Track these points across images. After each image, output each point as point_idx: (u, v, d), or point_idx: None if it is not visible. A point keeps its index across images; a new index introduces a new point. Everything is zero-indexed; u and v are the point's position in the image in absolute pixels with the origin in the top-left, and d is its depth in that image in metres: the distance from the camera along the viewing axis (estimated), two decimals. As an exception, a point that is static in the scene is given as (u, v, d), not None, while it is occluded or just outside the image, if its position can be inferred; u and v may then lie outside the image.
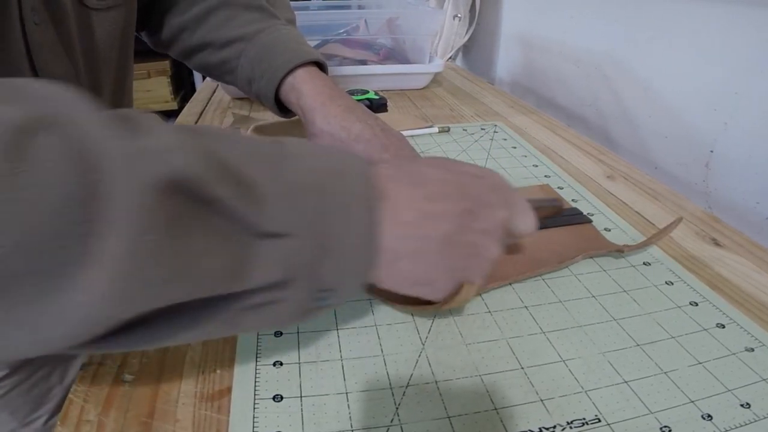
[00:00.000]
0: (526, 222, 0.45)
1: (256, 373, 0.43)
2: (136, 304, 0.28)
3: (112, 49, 0.65)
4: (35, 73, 0.52)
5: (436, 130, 0.95)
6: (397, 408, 0.40)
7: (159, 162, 0.27)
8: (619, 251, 0.58)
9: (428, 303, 0.48)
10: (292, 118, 0.74)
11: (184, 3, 0.75)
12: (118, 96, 0.70)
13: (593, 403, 0.41)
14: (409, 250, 0.39)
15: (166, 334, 0.31)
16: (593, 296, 0.52)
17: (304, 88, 0.67)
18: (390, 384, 0.42)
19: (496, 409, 0.40)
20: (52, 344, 0.27)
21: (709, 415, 0.39)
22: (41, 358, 0.71)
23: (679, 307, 0.51)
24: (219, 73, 0.77)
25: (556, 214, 0.62)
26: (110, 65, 0.66)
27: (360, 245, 0.36)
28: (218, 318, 0.32)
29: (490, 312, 0.50)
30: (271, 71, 0.69)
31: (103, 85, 0.65)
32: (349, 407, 0.40)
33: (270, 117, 1.00)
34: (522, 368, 0.44)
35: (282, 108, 0.73)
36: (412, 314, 0.49)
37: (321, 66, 0.72)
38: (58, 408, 0.52)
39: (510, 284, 0.53)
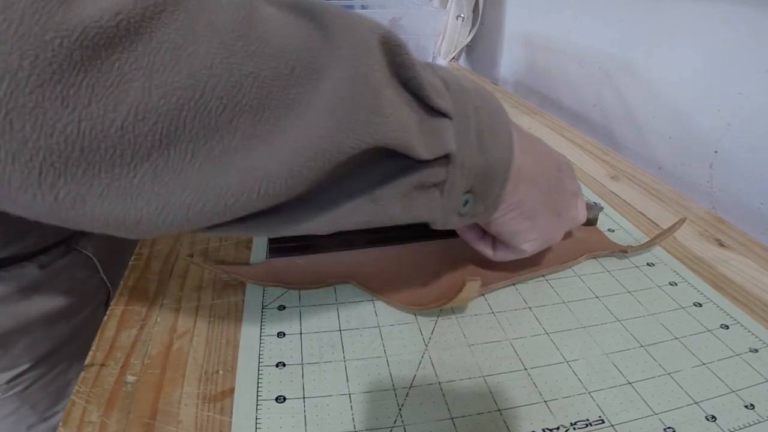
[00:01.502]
0: (581, 209, 0.53)
1: (258, 374, 0.42)
2: (370, 128, 0.29)
3: None
4: None
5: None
6: (400, 409, 0.40)
7: (374, 27, 0.31)
8: (623, 252, 0.58)
9: (430, 302, 0.48)
10: None
11: None
12: None
13: (597, 404, 0.40)
14: (528, 176, 0.44)
15: (355, 204, 0.34)
16: (597, 297, 0.52)
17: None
18: (393, 385, 0.42)
19: (499, 410, 0.40)
20: (263, 187, 0.27)
21: (713, 416, 0.39)
22: (64, 351, 0.72)
23: (683, 308, 0.51)
24: None
25: (591, 222, 0.63)
26: None
27: (503, 147, 0.40)
28: (396, 189, 0.35)
29: (493, 313, 0.50)
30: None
31: None
32: (352, 408, 0.40)
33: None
34: (525, 369, 0.44)
35: None
36: (415, 314, 0.49)
37: None
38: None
39: (513, 285, 0.53)
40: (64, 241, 0.71)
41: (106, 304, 0.73)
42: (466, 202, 0.40)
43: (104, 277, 0.76)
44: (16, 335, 0.66)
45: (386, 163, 0.34)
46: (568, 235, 0.59)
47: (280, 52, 0.26)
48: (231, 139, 0.26)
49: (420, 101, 0.34)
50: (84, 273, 0.74)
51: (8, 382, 0.68)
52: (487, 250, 0.50)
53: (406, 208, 0.36)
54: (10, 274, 0.65)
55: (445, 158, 0.36)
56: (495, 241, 0.50)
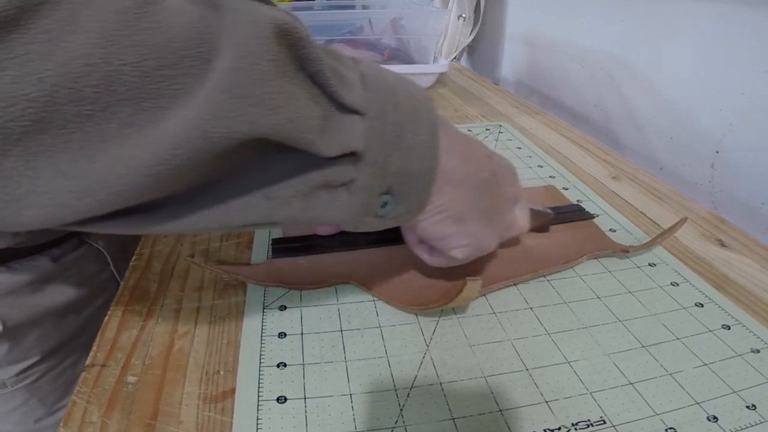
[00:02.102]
0: (523, 216, 0.51)
1: (260, 375, 0.42)
2: (246, 119, 0.28)
3: None
4: None
5: (440, 130, 0.95)
6: (401, 409, 0.40)
7: (273, 18, 0.30)
8: (624, 252, 0.58)
9: (431, 302, 0.48)
10: None
11: None
12: None
13: (598, 404, 0.40)
14: (455, 177, 0.42)
15: (246, 202, 0.33)
16: (598, 297, 0.52)
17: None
18: (394, 385, 0.42)
19: (500, 410, 0.40)
20: (140, 171, 0.27)
21: (714, 417, 0.39)
22: (73, 344, 0.73)
23: (685, 308, 0.51)
24: None
25: (542, 229, 0.61)
26: None
27: (426, 146, 0.39)
28: (294, 187, 0.34)
29: (494, 313, 0.50)
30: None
31: None
32: (353, 409, 0.40)
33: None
34: (527, 369, 0.44)
35: None
36: (416, 314, 0.49)
37: None
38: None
39: (514, 285, 0.53)
40: (77, 234, 0.71)
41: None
42: (385, 203, 0.38)
43: (114, 271, 0.77)
44: (27, 328, 0.67)
45: (282, 159, 0.33)
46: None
47: (170, 41, 0.26)
48: (107, 128, 0.25)
49: (329, 96, 0.33)
50: (95, 267, 0.75)
51: (18, 374, 0.68)
52: (424, 255, 0.49)
53: (307, 207, 0.35)
54: (22, 266, 0.65)
55: (353, 156, 0.35)
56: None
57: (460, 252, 0.46)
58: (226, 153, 0.29)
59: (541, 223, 0.60)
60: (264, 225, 0.35)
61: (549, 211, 0.61)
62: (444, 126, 0.42)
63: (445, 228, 0.44)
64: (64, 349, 0.72)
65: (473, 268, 0.54)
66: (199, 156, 0.28)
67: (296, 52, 0.31)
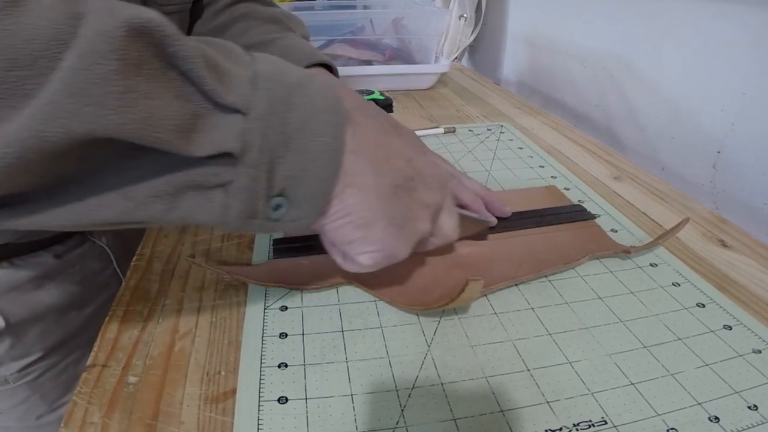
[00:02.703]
0: (449, 225, 0.49)
1: (261, 375, 0.42)
2: (81, 119, 0.28)
3: None
4: None
5: (441, 130, 0.95)
6: (402, 410, 0.40)
7: (133, 16, 0.29)
8: (626, 252, 0.58)
9: (432, 302, 0.48)
10: None
11: (208, 13, 0.78)
12: None
13: (600, 405, 0.40)
14: (361, 181, 0.40)
15: (102, 200, 0.32)
16: (599, 297, 0.52)
17: None
18: (395, 386, 0.42)
19: (502, 411, 0.40)
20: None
21: (716, 417, 0.39)
22: (75, 341, 0.74)
23: (686, 308, 0.50)
24: None
25: (479, 237, 0.60)
26: None
27: (325, 148, 0.37)
28: (155, 187, 0.33)
29: (496, 313, 0.50)
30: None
31: None
32: (354, 409, 0.40)
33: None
34: (528, 370, 0.43)
35: None
36: (417, 314, 0.49)
37: (331, 70, 0.72)
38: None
39: (516, 285, 0.53)
40: (80, 231, 0.71)
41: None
42: (279, 206, 0.37)
43: (117, 269, 0.77)
44: (29, 324, 0.67)
45: (142, 159, 0.32)
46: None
47: (28, 43, 0.26)
48: None
49: (204, 94, 0.32)
50: (98, 264, 0.75)
51: (20, 371, 0.69)
52: (338, 258, 0.46)
53: (173, 207, 0.34)
54: (25, 262, 0.66)
55: (229, 157, 0.34)
56: None
57: (367, 258, 0.43)
58: (68, 152, 0.29)
59: (479, 230, 0.59)
60: (128, 223, 0.35)
61: (487, 218, 0.59)
62: (358, 127, 0.41)
63: (350, 233, 0.42)
64: (67, 345, 0.73)
65: (475, 268, 0.54)
66: (33, 155, 0.27)
67: (162, 50, 0.30)
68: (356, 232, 0.42)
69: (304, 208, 0.38)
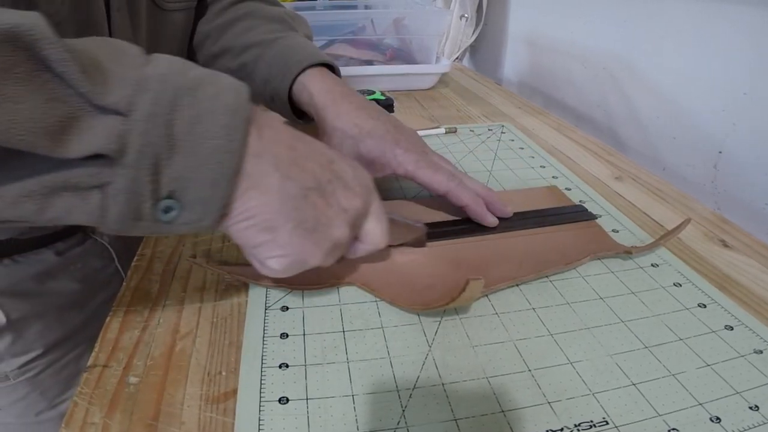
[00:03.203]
0: (376, 231, 0.48)
1: (261, 375, 0.42)
2: None
3: (173, 52, 0.67)
4: None
5: (442, 130, 0.95)
6: (403, 410, 0.40)
7: (4, 15, 0.29)
8: (627, 253, 0.58)
9: (433, 302, 0.48)
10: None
11: (211, 12, 0.79)
12: None
13: (601, 405, 0.40)
14: (265, 183, 0.40)
15: None
16: (601, 298, 0.52)
17: (315, 86, 0.67)
18: (396, 386, 0.42)
19: (503, 411, 0.40)
20: None
21: (717, 418, 0.39)
22: (76, 338, 0.74)
23: (688, 308, 0.50)
24: (238, 77, 0.73)
25: (417, 243, 0.58)
26: None
27: (219, 150, 0.36)
28: (28, 189, 0.33)
29: (497, 314, 0.50)
30: (285, 70, 0.69)
31: None
32: (355, 409, 0.40)
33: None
34: (529, 370, 0.43)
35: (295, 112, 0.73)
36: (418, 314, 0.49)
37: (334, 70, 0.72)
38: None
39: (517, 285, 0.53)
40: (82, 228, 0.72)
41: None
42: (169, 208, 0.36)
43: (119, 267, 0.77)
44: (30, 321, 0.68)
45: (13, 160, 0.32)
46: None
47: None
48: None
49: (81, 96, 0.32)
50: (99, 262, 0.75)
51: (20, 367, 0.69)
52: (255, 262, 0.45)
53: (45, 208, 0.33)
54: (26, 259, 0.66)
55: (106, 159, 0.33)
56: None
57: (275, 263, 0.42)
58: None
59: (415, 237, 0.58)
60: (49, 220, 0.34)
61: (421, 224, 0.58)
62: (266, 129, 0.41)
63: (254, 236, 0.41)
64: (67, 343, 0.73)
65: (476, 268, 0.54)
66: None
67: (35, 54, 0.30)
68: (261, 235, 0.41)
69: (197, 210, 0.37)
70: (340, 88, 0.66)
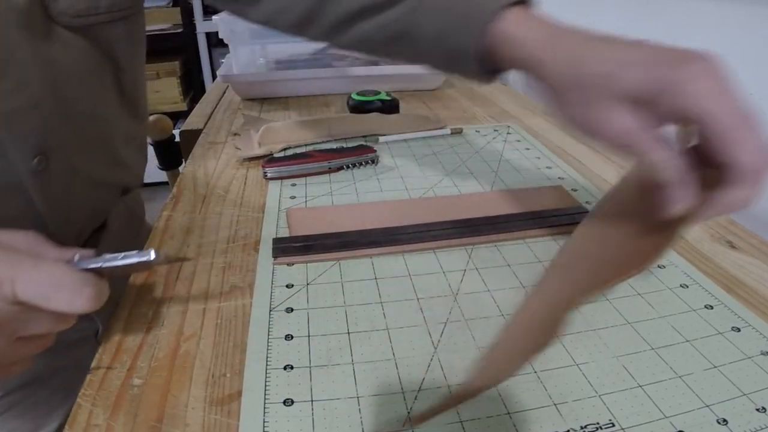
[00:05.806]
0: (43, 283, 0.37)
1: (266, 377, 0.42)
2: None
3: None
4: None
5: (448, 131, 0.95)
6: (409, 412, 0.40)
7: None
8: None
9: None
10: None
11: None
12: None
13: (607, 407, 0.40)
14: None
15: None
16: (607, 299, 0.51)
17: (521, 33, 0.54)
18: (402, 388, 0.42)
19: (509, 413, 0.40)
20: None
21: (724, 420, 0.39)
22: (39, 380, 0.69)
23: (694, 310, 0.50)
24: (387, 41, 0.57)
25: (144, 269, 0.52)
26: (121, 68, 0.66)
27: None
28: None
29: (502, 315, 0.49)
30: (474, 16, 0.52)
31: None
32: (360, 412, 0.40)
33: (281, 118, 1.00)
34: (535, 372, 0.43)
35: (484, 68, 0.54)
36: (423, 317, 0.49)
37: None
38: (61, 428, 0.47)
39: (522, 287, 0.53)
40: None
41: (96, 339, 0.71)
42: None
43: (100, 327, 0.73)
44: None
45: None
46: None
47: None
48: None
49: None
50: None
51: None
52: None
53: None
54: None
55: None
56: None
57: None
58: None
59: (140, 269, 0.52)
60: None
61: (142, 254, 0.43)
62: None
63: None
64: (31, 385, 0.69)
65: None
66: None
67: None
68: None
69: None
70: (555, 29, 0.56)
